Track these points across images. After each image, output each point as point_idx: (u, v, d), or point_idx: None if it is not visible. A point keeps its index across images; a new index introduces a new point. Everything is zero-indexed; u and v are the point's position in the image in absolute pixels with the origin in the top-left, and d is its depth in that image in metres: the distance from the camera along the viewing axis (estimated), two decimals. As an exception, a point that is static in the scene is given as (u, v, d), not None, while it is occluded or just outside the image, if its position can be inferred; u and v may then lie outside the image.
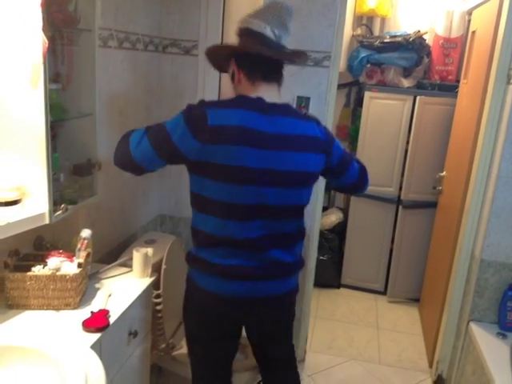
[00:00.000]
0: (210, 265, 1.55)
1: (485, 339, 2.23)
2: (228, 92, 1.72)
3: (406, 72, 3.47)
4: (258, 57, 1.52)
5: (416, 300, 3.67)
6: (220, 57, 1.62)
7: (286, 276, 1.64)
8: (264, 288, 1.59)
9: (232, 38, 1.68)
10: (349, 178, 1.73)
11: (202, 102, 1.52)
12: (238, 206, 1.49)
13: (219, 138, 1.43)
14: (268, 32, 1.50)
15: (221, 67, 1.68)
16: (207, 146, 1.43)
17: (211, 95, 2.53)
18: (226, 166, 1.45)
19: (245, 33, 1.53)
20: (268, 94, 1.54)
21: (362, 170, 1.76)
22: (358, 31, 3.66)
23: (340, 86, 3.30)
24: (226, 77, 2.50)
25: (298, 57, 1.65)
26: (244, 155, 1.45)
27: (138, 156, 1.53)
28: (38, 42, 1.36)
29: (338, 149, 1.67)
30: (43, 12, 1.35)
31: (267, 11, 1.52)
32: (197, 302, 1.64)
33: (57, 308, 1.56)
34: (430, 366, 2.90)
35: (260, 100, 1.51)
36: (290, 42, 2.32)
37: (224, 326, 1.67)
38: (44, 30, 1.36)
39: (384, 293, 3.78)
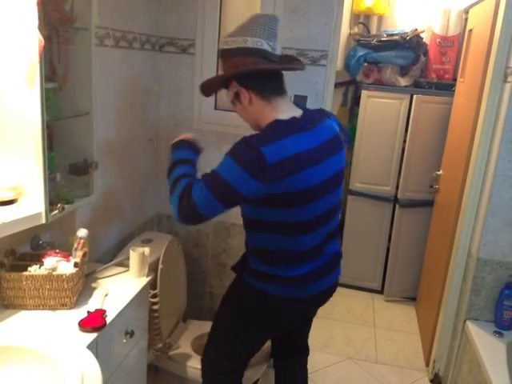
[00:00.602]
0: (283, 278, 1.61)
1: (481, 338, 2.23)
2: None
3: (403, 71, 3.47)
4: (265, 73, 1.54)
5: (413, 299, 3.68)
6: (215, 83, 1.65)
7: (339, 265, 1.78)
8: (329, 280, 1.72)
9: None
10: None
11: (251, 142, 1.46)
12: (306, 221, 1.56)
13: (281, 172, 1.44)
14: (266, 46, 1.51)
15: (210, 91, 1.73)
16: (273, 184, 1.45)
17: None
18: (290, 193, 1.48)
19: (238, 53, 1.52)
20: (289, 108, 1.58)
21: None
22: (355, 30, 3.66)
23: (337, 85, 3.32)
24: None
25: (299, 61, 1.73)
26: (307, 177, 1.48)
27: (209, 213, 1.53)
28: (33, 40, 1.36)
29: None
30: (39, 11, 1.35)
31: (256, 26, 1.51)
32: (268, 307, 1.68)
33: (53, 308, 1.55)
34: (427, 364, 2.90)
35: (295, 119, 1.53)
36: (287, 41, 2.35)
37: (288, 325, 1.82)
38: (40, 28, 1.36)
39: (381, 292, 3.79)
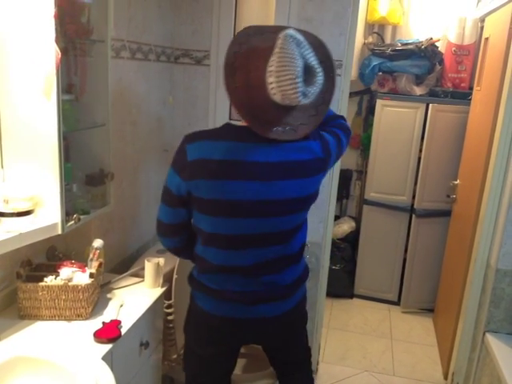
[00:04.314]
0: (208, 288, 1.53)
1: (501, 350, 2.18)
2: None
3: (419, 80, 3.45)
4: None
5: (430, 310, 3.62)
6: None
7: (285, 298, 1.58)
8: (262, 310, 1.54)
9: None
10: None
11: (185, 137, 1.44)
12: (225, 236, 1.45)
13: (199, 172, 1.38)
14: (277, 99, 1.32)
15: None
16: (190, 182, 1.40)
17: (223, 104, 2.54)
18: (210, 200, 1.40)
19: (253, 64, 1.33)
20: None
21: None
22: (370, 39, 3.65)
23: (352, 95, 3.30)
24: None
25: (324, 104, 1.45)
26: (229, 189, 1.37)
27: (163, 217, 1.54)
28: (51, 53, 1.37)
29: (333, 149, 1.54)
30: (56, 23, 1.37)
31: (287, 65, 1.27)
32: (197, 319, 1.62)
33: (68, 318, 1.56)
34: (445, 377, 2.85)
35: (246, 128, 1.38)
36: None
37: (222, 344, 1.63)
38: (57, 41, 1.38)
39: (398, 303, 3.74)
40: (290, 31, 1.30)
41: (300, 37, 1.31)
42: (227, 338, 1.62)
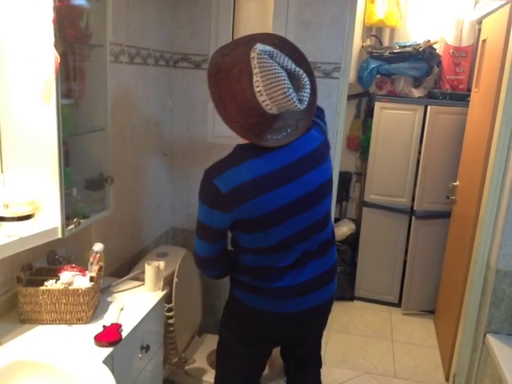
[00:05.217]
0: (261, 288, 1.58)
1: (503, 351, 2.18)
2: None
3: (417, 82, 3.46)
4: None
5: (431, 312, 3.62)
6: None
7: (329, 282, 1.66)
8: (312, 299, 1.62)
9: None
10: None
11: (207, 174, 1.47)
12: (277, 243, 1.51)
13: (237, 199, 1.43)
14: (274, 111, 1.38)
15: None
16: (233, 211, 1.44)
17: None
18: (257, 218, 1.45)
19: (242, 88, 1.37)
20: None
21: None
22: (368, 42, 3.67)
23: (350, 97, 3.32)
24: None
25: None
26: (268, 202, 1.44)
27: (204, 253, 1.59)
28: (50, 57, 1.38)
29: (326, 129, 1.64)
30: (55, 28, 1.37)
31: (273, 82, 1.30)
32: (248, 320, 1.65)
33: (69, 322, 1.56)
34: (447, 379, 2.85)
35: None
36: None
37: (269, 341, 1.72)
38: (56, 46, 1.38)
39: (398, 305, 3.74)
40: (260, 47, 1.32)
41: (269, 48, 1.34)
42: (279, 335, 1.70)
